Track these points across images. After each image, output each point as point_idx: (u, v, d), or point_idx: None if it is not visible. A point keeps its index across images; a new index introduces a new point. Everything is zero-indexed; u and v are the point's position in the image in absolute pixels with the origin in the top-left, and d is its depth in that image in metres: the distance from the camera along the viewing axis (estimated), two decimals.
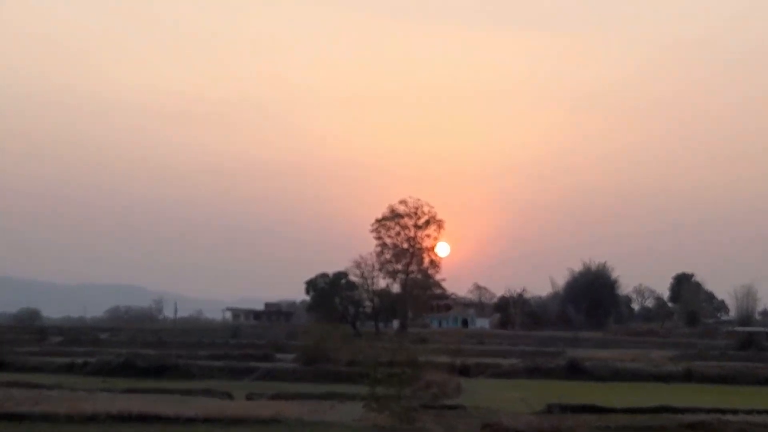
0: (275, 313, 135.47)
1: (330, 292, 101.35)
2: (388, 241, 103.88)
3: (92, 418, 26.86)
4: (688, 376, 52.20)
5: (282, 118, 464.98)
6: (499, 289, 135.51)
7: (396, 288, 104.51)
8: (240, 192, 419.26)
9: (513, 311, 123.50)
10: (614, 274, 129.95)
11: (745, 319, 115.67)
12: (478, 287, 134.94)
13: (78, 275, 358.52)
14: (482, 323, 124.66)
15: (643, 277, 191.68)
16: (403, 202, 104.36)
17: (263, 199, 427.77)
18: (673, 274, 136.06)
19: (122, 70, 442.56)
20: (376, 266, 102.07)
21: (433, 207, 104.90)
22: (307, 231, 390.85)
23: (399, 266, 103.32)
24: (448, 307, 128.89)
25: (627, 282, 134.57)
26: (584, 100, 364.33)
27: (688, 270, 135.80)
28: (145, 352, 58.61)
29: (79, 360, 53.44)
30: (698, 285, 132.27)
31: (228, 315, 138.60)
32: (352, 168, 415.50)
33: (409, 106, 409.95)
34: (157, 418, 26.97)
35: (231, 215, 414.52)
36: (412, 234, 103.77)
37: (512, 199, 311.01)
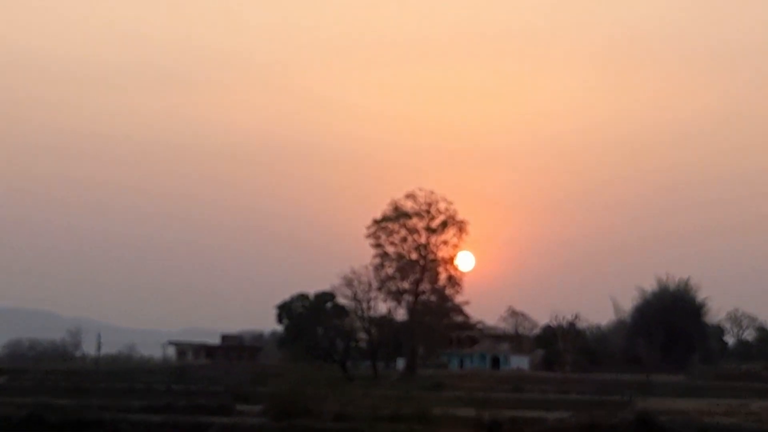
0: (235, 348, 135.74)
1: (311, 320, 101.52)
2: (390, 249, 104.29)
3: None
4: None
5: (240, 79, 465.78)
6: (542, 315, 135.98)
7: (401, 314, 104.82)
8: (185, 184, 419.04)
9: (561, 346, 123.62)
10: (701, 296, 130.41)
11: None
12: (514, 313, 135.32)
13: None
14: (519, 362, 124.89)
15: (741, 299, 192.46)
16: (410, 196, 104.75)
17: (216, 193, 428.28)
18: None
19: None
20: (374, 284, 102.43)
21: (452, 203, 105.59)
22: (278, 237, 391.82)
23: (405, 284, 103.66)
24: (472, 341, 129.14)
25: (718, 306, 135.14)
26: (652, 48, 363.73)
27: None
28: (57, 402, 58.72)
29: None
30: None
31: (171, 351, 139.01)
32: (339, 149, 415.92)
33: (417, 67, 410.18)
34: None
35: (173, 217, 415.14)
36: (423, 240, 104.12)
37: (558, 192, 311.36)
